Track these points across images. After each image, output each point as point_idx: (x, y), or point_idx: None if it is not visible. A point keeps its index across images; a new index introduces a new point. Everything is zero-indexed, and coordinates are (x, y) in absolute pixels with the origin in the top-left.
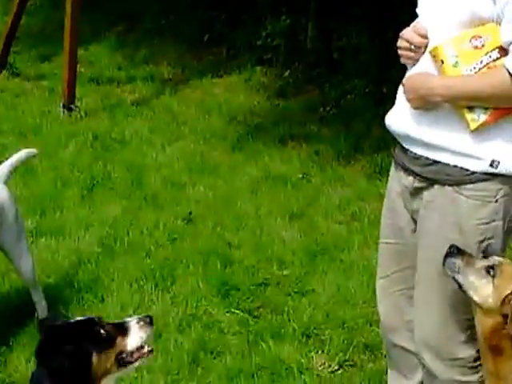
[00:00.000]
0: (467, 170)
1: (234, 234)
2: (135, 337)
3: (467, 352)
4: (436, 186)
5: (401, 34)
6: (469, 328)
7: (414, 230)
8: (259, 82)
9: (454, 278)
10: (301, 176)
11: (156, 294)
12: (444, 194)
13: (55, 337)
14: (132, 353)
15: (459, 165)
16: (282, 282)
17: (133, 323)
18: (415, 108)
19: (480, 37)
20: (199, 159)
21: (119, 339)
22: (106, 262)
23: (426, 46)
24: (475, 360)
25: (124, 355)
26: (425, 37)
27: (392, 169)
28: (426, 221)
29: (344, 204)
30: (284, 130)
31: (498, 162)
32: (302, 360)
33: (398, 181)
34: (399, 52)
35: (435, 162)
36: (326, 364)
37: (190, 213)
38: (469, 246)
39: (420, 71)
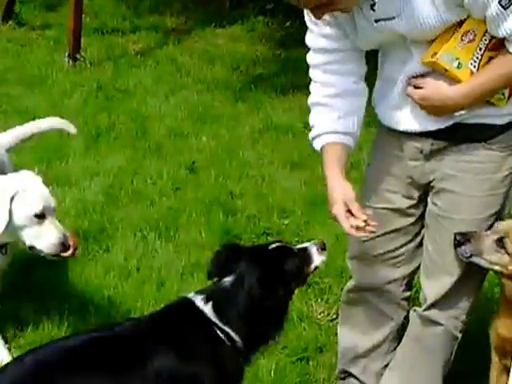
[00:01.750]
0: (498, 124)
1: (236, 184)
2: (316, 263)
3: (468, 307)
4: (463, 146)
5: None
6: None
7: (410, 195)
8: (261, 32)
9: (471, 262)
10: (302, 126)
11: (159, 243)
12: (473, 151)
13: (267, 257)
14: (308, 275)
15: (493, 123)
16: (282, 232)
17: (313, 250)
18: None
19: (468, 31)
20: (202, 109)
21: (305, 268)
22: (111, 212)
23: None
24: (469, 314)
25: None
26: None
27: (385, 132)
28: (452, 182)
29: None
30: (286, 80)
31: None
32: (302, 308)
33: (398, 145)
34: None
35: (463, 125)
36: (325, 312)
37: (193, 162)
38: (497, 199)
39: (428, 82)
